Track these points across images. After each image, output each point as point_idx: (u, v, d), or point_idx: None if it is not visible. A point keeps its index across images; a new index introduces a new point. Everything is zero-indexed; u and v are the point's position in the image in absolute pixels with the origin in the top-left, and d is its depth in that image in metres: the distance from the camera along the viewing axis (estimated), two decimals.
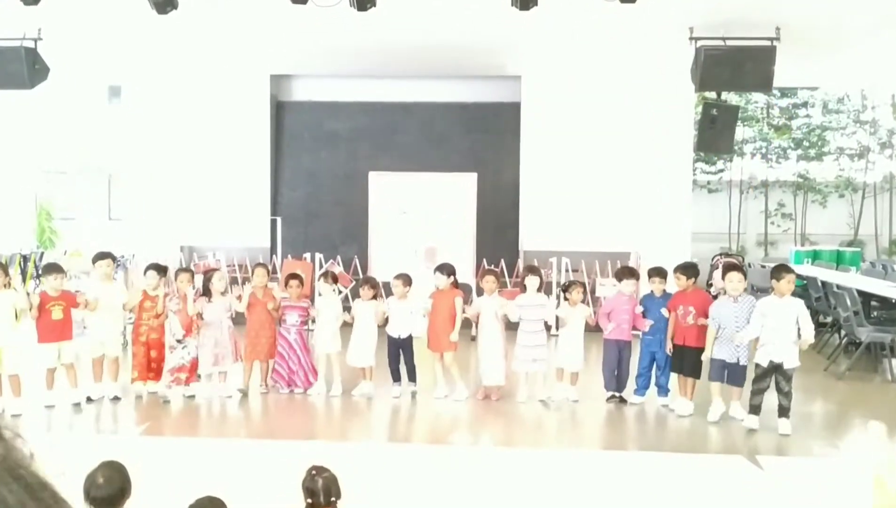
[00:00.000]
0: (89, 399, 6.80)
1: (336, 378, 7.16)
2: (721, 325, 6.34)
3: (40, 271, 12.32)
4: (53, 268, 6.83)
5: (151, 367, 7.01)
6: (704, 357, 6.50)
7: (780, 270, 6.28)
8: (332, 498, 3.08)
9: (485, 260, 10.92)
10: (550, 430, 6.40)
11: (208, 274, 7.33)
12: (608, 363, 6.96)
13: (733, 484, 5.05)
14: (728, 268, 6.65)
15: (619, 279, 7.15)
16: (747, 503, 4.77)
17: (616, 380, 6.97)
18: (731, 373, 6.37)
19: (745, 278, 6.61)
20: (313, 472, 3.15)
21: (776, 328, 6.05)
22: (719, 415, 6.37)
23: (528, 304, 6.96)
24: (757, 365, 6.18)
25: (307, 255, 10.64)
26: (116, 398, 6.84)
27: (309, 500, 3.10)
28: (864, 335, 8.10)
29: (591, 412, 6.77)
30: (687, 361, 6.65)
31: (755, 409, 6.17)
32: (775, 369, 6.07)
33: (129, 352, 7.31)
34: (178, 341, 6.99)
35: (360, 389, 7.14)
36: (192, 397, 6.96)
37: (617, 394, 6.97)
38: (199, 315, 6.98)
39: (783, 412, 6.08)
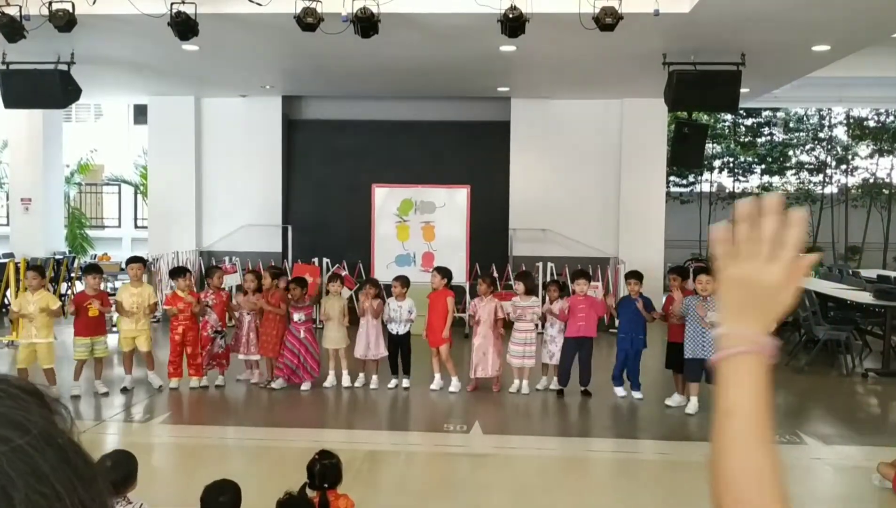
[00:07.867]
0: (124, 390, 6.75)
1: (343, 372, 7.14)
2: (690, 322, 6.28)
3: (73, 274, 12.31)
4: (94, 269, 6.83)
5: (188, 363, 6.91)
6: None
7: None
8: (325, 484, 3.05)
9: (477, 265, 10.92)
10: (536, 418, 6.39)
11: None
12: (565, 358, 6.80)
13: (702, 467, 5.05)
14: (698, 271, 6.63)
15: (573, 281, 7.05)
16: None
17: (581, 374, 6.81)
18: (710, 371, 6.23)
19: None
20: (317, 457, 3.15)
21: None
22: (695, 409, 6.30)
23: (521, 305, 6.98)
24: None
25: (315, 260, 10.62)
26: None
27: (307, 481, 3.09)
28: (822, 334, 8.12)
29: (572, 403, 6.75)
30: (678, 358, 6.52)
31: None
32: None
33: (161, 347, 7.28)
34: (217, 331, 6.97)
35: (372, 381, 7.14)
36: (221, 386, 6.97)
37: (582, 388, 6.83)
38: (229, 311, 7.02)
39: None
